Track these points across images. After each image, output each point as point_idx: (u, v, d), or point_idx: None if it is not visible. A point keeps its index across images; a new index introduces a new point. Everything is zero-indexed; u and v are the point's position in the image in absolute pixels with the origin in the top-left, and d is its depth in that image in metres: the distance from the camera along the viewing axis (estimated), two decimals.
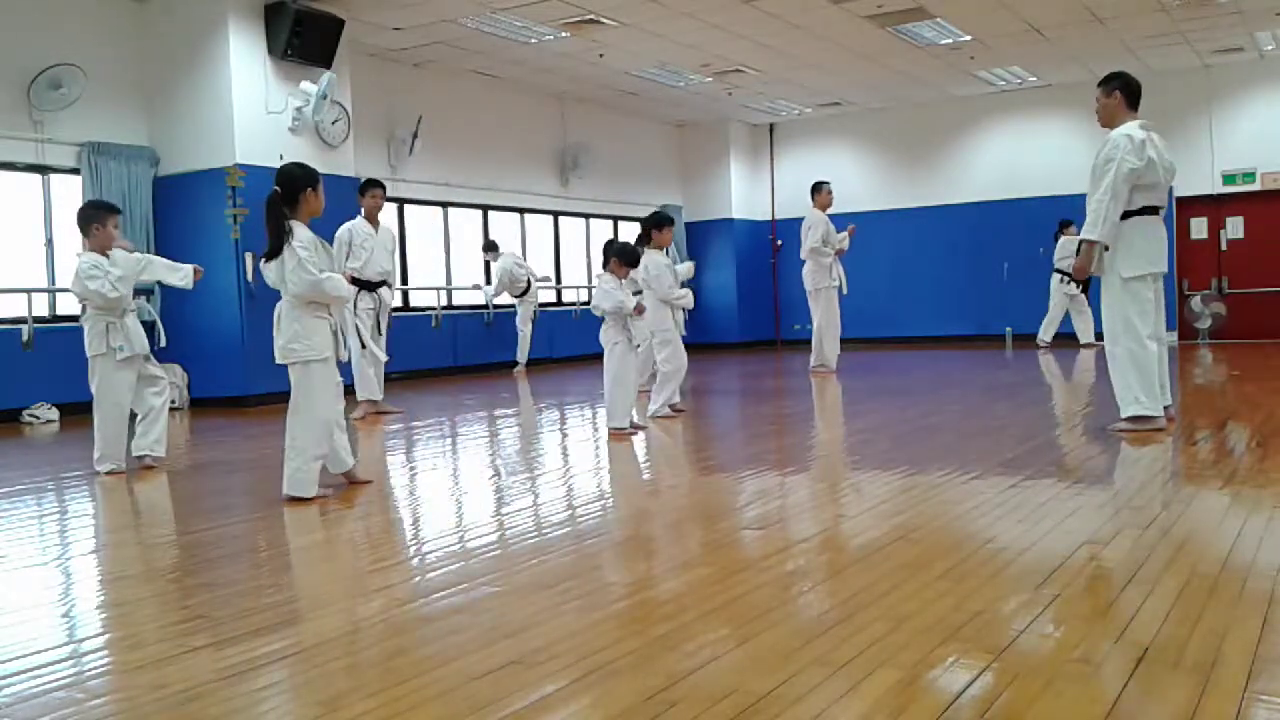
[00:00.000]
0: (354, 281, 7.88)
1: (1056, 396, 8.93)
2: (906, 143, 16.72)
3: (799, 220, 17.34)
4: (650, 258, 7.61)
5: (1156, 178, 5.77)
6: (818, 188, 11.42)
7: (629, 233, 16.85)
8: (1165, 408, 5.94)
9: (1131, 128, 5.77)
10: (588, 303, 15.66)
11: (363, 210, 8.44)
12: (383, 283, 8.44)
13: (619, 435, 6.73)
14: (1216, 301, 14.17)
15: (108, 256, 6.00)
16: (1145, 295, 5.79)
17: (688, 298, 7.68)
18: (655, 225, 7.75)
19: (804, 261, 11.33)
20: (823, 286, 11.15)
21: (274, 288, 4.94)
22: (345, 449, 5.14)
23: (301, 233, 4.83)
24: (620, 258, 6.86)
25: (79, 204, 9.52)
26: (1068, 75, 14.74)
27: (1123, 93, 5.88)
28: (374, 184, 8.55)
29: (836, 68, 13.83)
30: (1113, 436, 5.85)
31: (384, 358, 8.13)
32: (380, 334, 8.41)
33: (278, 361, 4.92)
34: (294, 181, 4.88)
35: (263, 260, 4.91)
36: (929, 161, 16.60)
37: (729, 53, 12.84)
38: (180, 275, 6.38)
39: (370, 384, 8.38)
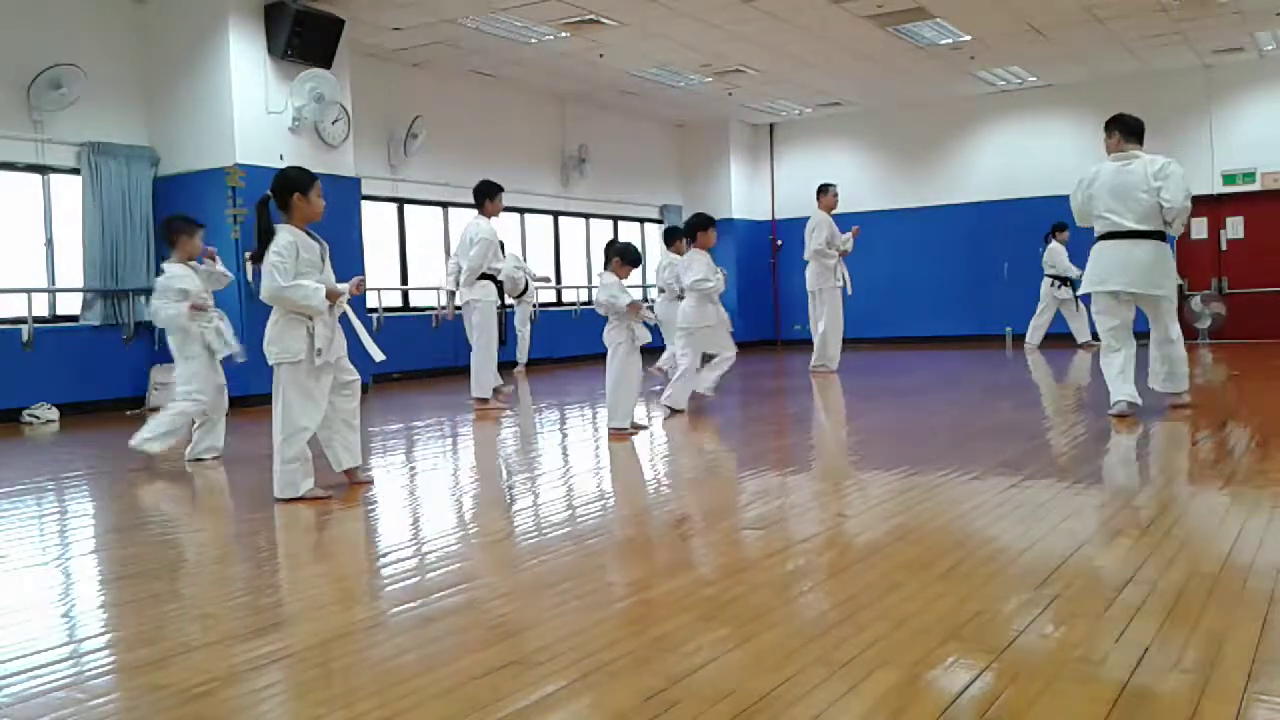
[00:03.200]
0: (491, 278, 8.63)
1: (1056, 397, 8.93)
2: (906, 143, 16.72)
3: (799, 220, 17.38)
4: (694, 255, 7.93)
5: (1100, 208, 6.39)
6: (824, 189, 11.45)
7: (629, 233, 16.88)
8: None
9: (1107, 160, 6.43)
10: (588, 303, 15.69)
11: (488, 213, 8.72)
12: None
13: (619, 435, 6.73)
14: (1216, 301, 14.17)
15: (192, 266, 6.37)
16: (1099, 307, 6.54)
17: (712, 283, 7.88)
18: (700, 226, 8.02)
19: (806, 262, 11.32)
20: (827, 287, 11.22)
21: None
22: (349, 448, 5.15)
23: (282, 237, 4.82)
24: (622, 257, 6.86)
25: (79, 204, 9.58)
26: (1068, 75, 14.74)
27: (1120, 131, 6.41)
28: (500, 188, 8.87)
29: (836, 68, 13.83)
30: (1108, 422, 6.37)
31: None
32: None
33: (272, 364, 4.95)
34: (286, 185, 4.90)
35: (249, 261, 4.90)
36: (929, 161, 16.59)
37: (729, 53, 12.84)
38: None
39: (487, 383, 8.72)
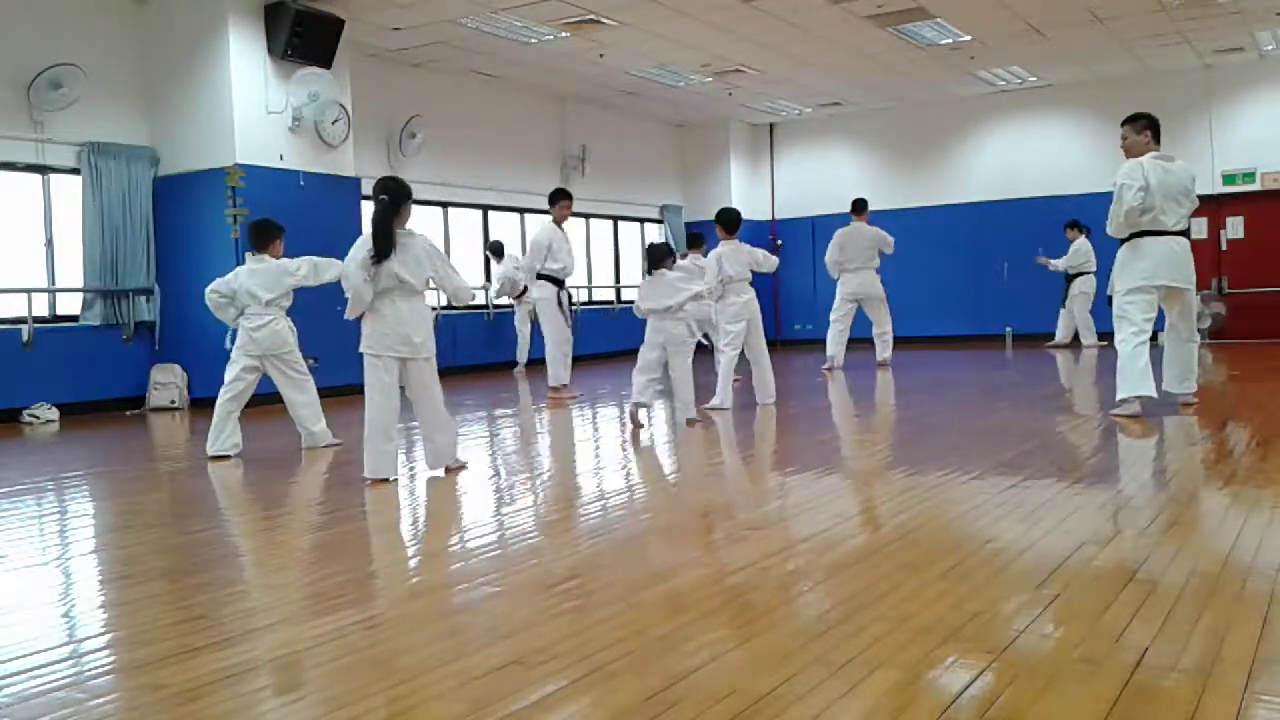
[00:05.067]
0: (550, 279, 9.36)
1: (1056, 397, 8.93)
2: (906, 143, 16.72)
3: (799, 220, 17.48)
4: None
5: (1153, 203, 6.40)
6: (865, 204, 12.13)
7: (629, 233, 16.87)
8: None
9: (1146, 158, 6.43)
10: (588, 303, 15.69)
11: (553, 217, 9.51)
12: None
13: (692, 422, 7.10)
14: (1216, 301, 14.16)
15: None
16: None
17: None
18: (739, 222, 8.39)
19: (858, 270, 11.89)
20: (881, 293, 12.01)
21: (358, 287, 5.18)
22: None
23: (428, 239, 5.37)
24: (672, 254, 7.44)
25: (79, 204, 9.58)
26: (1068, 75, 14.74)
27: (1151, 131, 6.51)
28: (565, 194, 9.61)
29: (836, 68, 13.83)
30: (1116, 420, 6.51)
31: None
32: (568, 322, 9.63)
33: (415, 356, 5.26)
34: (405, 193, 5.32)
35: (372, 261, 5.15)
36: (929, 161, 16.59)
37: (729, 53, 12.83)
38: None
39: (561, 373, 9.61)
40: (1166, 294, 6.54)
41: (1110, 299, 6.71)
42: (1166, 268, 6.44)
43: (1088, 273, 13.59)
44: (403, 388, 5.40)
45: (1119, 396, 6.52)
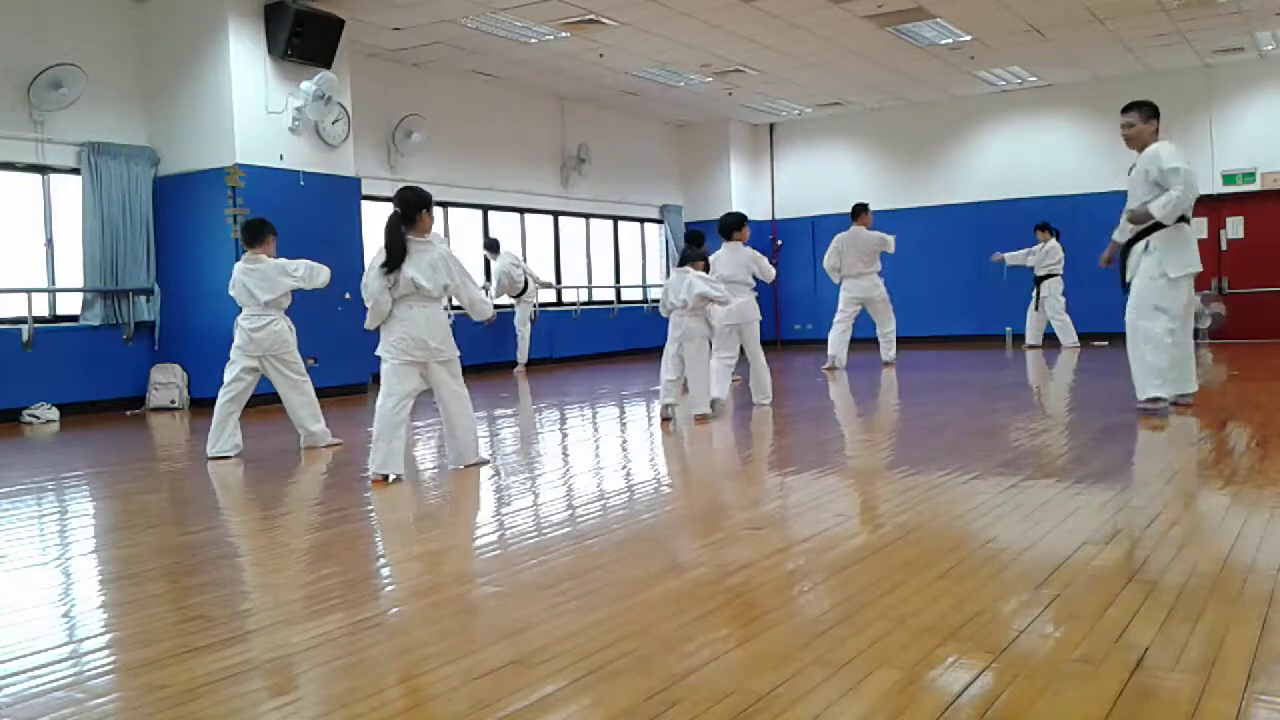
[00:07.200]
0: None
1: (1056, 396, 8.93)
2: (906, 143, 16.71)
3: (799, 220, 17.48)
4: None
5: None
6: (866, 208, 12.04)
7: (629, 233, 16.88)
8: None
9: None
10: (588, 303, 15.70)
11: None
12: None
13: (703, 419, 7.24)
14: (1216, 301, 14.16)
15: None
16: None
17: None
18: (736, 226, 8.35)
19: (860, 275, 11.89)
20: (884, 295, 12.03)
21: (376, 296, 5.27)
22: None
23: (447, 248, 5.43)
24: (700, 257, 7.55)
25: (79, 204, 9.58)
26: (1068, 75, 14.74)
27: (1157, 121, 6.47)
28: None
29: (836, 68, 13.83)
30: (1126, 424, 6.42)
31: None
32: None
33: (432, 360, 5.36)
34: (418, 203, 5.31)
35: (383, 270, 5.24)
36: (929, 161, 16.59)
37: (729, 53, 12.83)
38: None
39: None
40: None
41: (1126, 285, 6.47)
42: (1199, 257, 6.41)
43: (1057, 275, 13.64)
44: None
45: (1150, 394, 6.41)
